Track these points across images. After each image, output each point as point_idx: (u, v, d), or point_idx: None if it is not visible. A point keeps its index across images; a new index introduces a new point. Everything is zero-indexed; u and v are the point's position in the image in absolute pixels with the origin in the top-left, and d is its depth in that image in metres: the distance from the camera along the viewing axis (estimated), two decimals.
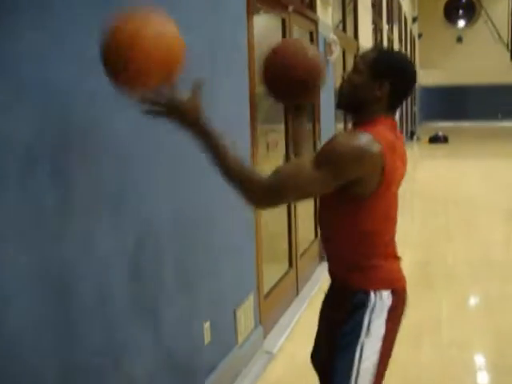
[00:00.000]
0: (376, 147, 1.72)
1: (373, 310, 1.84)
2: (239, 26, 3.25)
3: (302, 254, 4.83)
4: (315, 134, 5.17)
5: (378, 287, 1.86)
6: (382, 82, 1.82)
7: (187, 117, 1.67)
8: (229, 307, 3.15)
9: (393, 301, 1.87)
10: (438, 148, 16.56)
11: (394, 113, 1.92)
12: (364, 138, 1.73)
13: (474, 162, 13.55)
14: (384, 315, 1.85)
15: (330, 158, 1.72)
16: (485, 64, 29.47)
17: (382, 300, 1.85)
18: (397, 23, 15.37)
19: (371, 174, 1.75)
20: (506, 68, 28.91)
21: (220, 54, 2.94)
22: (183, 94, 1.64)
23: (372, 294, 1.84)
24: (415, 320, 2.10)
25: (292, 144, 2.14)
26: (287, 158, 4.34)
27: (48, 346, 1.70)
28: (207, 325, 2.83)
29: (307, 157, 1.82)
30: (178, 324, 2.57)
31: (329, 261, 2.01)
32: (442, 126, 21.59)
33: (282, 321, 4.14)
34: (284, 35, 4.25)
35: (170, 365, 2.49)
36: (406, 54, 1.95)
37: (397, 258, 1.98)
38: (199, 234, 2.76)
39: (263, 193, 1.73)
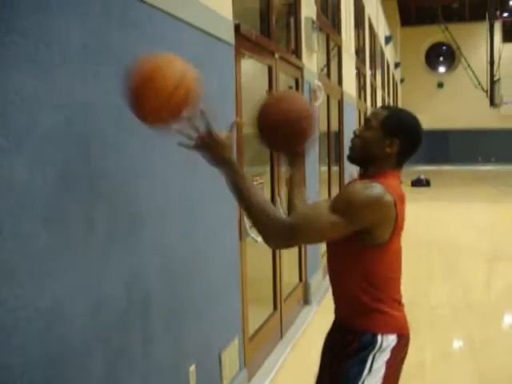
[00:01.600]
0: (388, 197, 1.85)
1: (377, 351, 1.93)
2: (227, 72, 3.33)
3: (287, 298, 4.85)
4: None
5: (384, 331, 1.95)
6: (393, 140, 1.94)
7: (223, 153, 1.86)
8: (214, 350, 3.15)
9: (396, 344, 1.96)
10: (421, 191, 16.73)
11: (401, 167, 2.02)
12: (378, 188, 1.85)
13: (456, 205, 13.70)
14: (387, 356, 1.94)
15: (346, 204, 1.82)
16: (465, 109, 30.11)
17: (387, 343, 1.94)
18: (380, 69, 15.68)
19: (385, 222, 1.87)
20: (486, 113, 29.52)
21: (208, 98, 3.00)
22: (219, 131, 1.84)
23: (379, 337, 1.94)
24: None
25: (289, 187, 2.20)
26: (272, 200, 4.42)
27: None
28: (192, 368, 2.83)
29: (323, 202, 1.91)
30: (164, 367, 2.57)
31: (336, 303, 2.10)
32: (423, 170, 21.86)
33: (267, 364, 4.13)
34: (270, 82, 4.35)
35: None
36: (414, 115, 2.04)
37: (401, 305, 2.07)
38: (185, 278, 2.78)
39: (282, 234, 1.81)
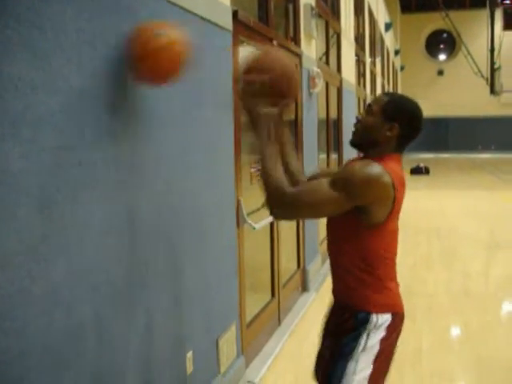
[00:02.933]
0: (387, 178, 1.91)
1: (372, 329, 2.01)
2: (225, 59, 3.32)
3: (285, 285, 4.86)
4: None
5: (379, 310, 2.03)
6: (393, 125, 2.02)
7: (257, 117, 1.96)
8: (211, 337, 3.16)
9: (391, 323, 2.04)
10: (420, 179, 16.73)
11: (401, 152, 2.08)
12: (377, 168, 1.91)
13: (455, 193, 13.72)
14: (381, 334, 2.02)
15: (345, 181, 1.89)
16: (465, 96, 30.07)
17: (382, 321, 2.02)
18: (379, 56, 15.62)
19: (382, 202, 1.94)
20: (486, 101, 29.48)
21: (206, 85, 3.00)
22: None
23: (374, 316, 2.02)
24: (397, 350, 2.18)
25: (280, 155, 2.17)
26: None
27: None
28: (190, 354, 2.84)
29: (324, 178, 1.96)
30: (161, 354, 2.58)
31: (334, 283, 2.18)
32: (423, 158, 21.85)
33: (264, 350, 4.14)
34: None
35: None
36: (415, 101, 2.10)
37: (397, 284, 2.14)
38: (182, 265, 2.78)
39: (282, 201, 1.90)
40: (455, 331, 4.76)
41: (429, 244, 7.91)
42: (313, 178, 2.27)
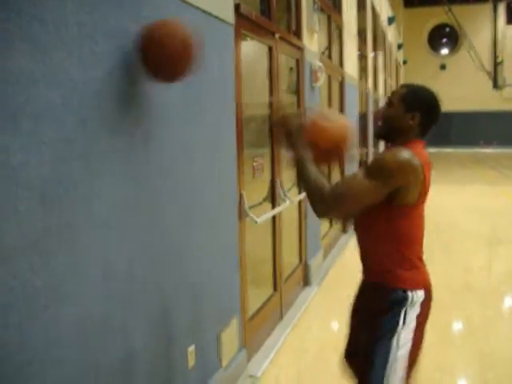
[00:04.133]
0: (416, 161, 2.05)
1: (409, 305, 2.14)
2: (227, 53, 3.31)
3: (287, 279, 4.86)
4: None
5: (413, 287, 2.15)
6: (414, 114, 2.16)
7: (294, 144, 2.16)
8: (213, 331, 3.16)
9: (424, 299, 2.17)
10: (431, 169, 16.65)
11: (423, 137, 2.23)
12: (406, 153, 2.05)
13: (457, 188, 13.70)
14: (417, 310, 2.15)
15: (379, 169, 2.03)
16: (468, 91, 29.98)
17: (417, 297, 2.15)
18: (382, 50, 15.58)
19: (414, 183, 2.06)
20: (489, 95, 29.40)
21: (207, 79, 2.99)
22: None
23: (409, 293, 2.14)
24: None
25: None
26: (273, 184, 4.41)
27: None
28: (191, 348, 2.84)
29: (358, 171, 2.08)
30: (163, 348, 2.58)
31: (366, 265, 2.30)
32: None
33: (266, 344, 4.15)
34: (271, 62, 4.32)
35: None
36: (431, 89, 2.24)
37: (425, 265, 2.26)
38: (183, 260, 2.78)
39: (325, 203, 2.04)
40: (457, 326, 4.76)
41: (430, 239, 7.85)
42: None
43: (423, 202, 2.17)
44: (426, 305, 2.20)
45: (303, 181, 2.11)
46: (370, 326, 2.20)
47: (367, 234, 2.26)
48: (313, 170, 2.09)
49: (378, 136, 2.29)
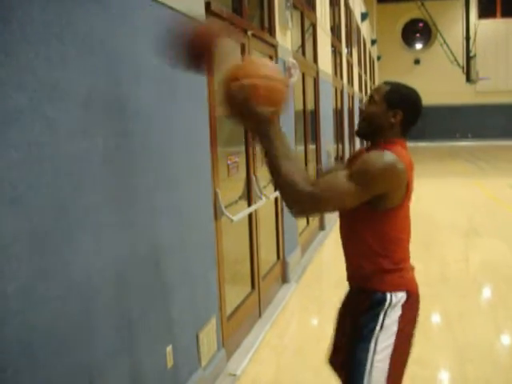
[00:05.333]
0: (401, 165, 1.99)
1: (388, 308, 2.08)
2: None
3: (265, 276, 4.86)
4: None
5: (393, 289, 2.11)
6: (396, 111, 2.11)
7: (261, 119, 1.89)
8: (191, 330, 3.15)
9: (406, 301, 2.12)
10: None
11: (405, 136, 2.18)
12: (391, 157, 1.99)
13: (432, 181, 13.80)
14: (397, 313, 2.09)
15: (363, 173, 1.95)
16: (442, 85, 30.30)
17: (396, 299, 2.09)
18: (356, 46, 15.65)
19: (398, 188, 2.02)
20: (462, 89, 29.73)
21: (180, 78, 2.98)
22: None
23: (388, 295, 2.09)
24: None
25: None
26: (248, 181, 4.41)
27: None
28: (169, 348, 2.83)
29: (341, 172, 1.99)
30: (140, 348, 2.56)
31: (349, 268, 2.24)
32: None
33: (245, 343, 4.14)
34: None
35: None
36: (413, 87, 2.19)
37: (411, 265, 2.23)
38: (160, 259, 2.77)
39: (301, 200, 1.91)
40: (434, 318, 4.80)
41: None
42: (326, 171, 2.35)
43: (407, 204, 2.13)
44: (410, 308, 2.14)
45: (276, 172, 1.91)
46: (351, 330, 2.17)
47: (351, 238, 2.21)
48: (289, 161, 1.90)
49: (358, 134, 2.21)
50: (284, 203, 1.98)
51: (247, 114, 1.89)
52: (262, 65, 1.98)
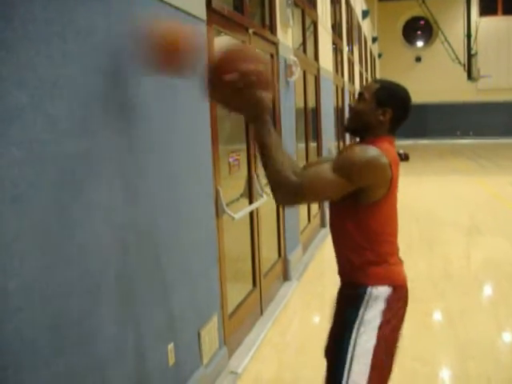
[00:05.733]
0: (384, 159, 2.03)
1: (368, 301, 2.11)
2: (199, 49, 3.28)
3: (266, 274, 4.86)
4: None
5: (375, 283, 2.13)
6: (385, 109, 2.14)
7: (257, 112, 1.97)
8: (193, 328, 3.15)
9: (391, 294, 2.13)
10: (400, 165, 16.77)
11: (393, 134, 2.22)
12: (374, 151, 2.03)
13: (434, 179, 13.82)
14: (380, 307, 2.11)
15: (346, 166, 2.01)
16: (443, 83, 30.26)
17: (377, 292, 2.12)
18: (357, 44, 15.64)
19: (381, 182, 2.06)
20: (464, 87, 29.69)
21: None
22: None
23: (369, 288, 2.12)
24: None
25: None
26: (250, 179, 4.40)
27: None
28: (171, 346, 2.83)
29: (326, 165, 2.04)
30: (142, 346, 2.56)
31: (339, 263, 2.29)
32: (401, 144, 21.90)
33: (247, 341, 4.15)
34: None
35: None
36: (403, 86, 2.22)
37: (399, 261, 2.25)
38: (161, 256, 2.77)
39: (290, 191, 1.97)
40: (437, 315, 4.80)
41: (409, 229, 7.94)
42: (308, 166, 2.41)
43: (392, 198, 2.15)
44: (396, 301, 2.15)
45: (264, 163, 2.00)
46: (337, 321, 2.25)
47: (339, 232, 2.25)
48: (277, 153, 1.98)
49: (347, 129, 2.28)
50: (270, 191, 2.03)
51: (247, 103, 1.96)
52: (244, 53, 2.04)
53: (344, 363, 2.07)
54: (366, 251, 2.14)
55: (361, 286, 2.14)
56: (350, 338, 2.08)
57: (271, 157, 1.97)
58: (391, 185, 2.09)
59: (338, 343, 2.13)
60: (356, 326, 2.09)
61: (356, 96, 2.25)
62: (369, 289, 2.12)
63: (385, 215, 2.15)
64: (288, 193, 1.98)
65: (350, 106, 2.24)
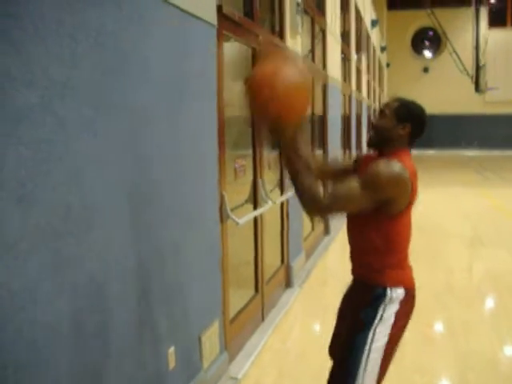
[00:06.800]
0: (406, 174, 2.20)
1: (387, 302, 2.28)
2: (209, 54, 3.30)
3: (268, 280, 4.85)
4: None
5: (393, 285, 2.30)
6: (405, 125, 2.31)
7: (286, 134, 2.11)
8: (194, 332, 3.15)
9: (404, 297, 2.31)
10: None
11: (411, 147, 2.39)
12: (398, 167, 2.20)
13: (439, 190, 13.77)
14: (395, 308, 2.29)
15: (373, 180, 2.16)
16: (450, 94, 30.23)
17: (396, 295, 2.29)
18: (365, 53, 15.64)
19: (403, 195, 2.22)
20: (471, 99, 29.65)
21: (189, 80, 2.98)
22: None
23: (388, 290, 2.29)
24: None
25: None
26: (255, 185, 4.41)
27: None
28: (171, 350, 2.83)
29: (354, 179, 2.20)
30: (142, 349, 2.56)
31: (354, 264, 2.45)
32: None
33: (248, 346, 4.14)
34: (254, 64, 4.31)
35: None
36: (420, 104, 2.39)
37: (410, 267, 2.43)
38: (165, 261, 2.77)
39: (319, 208, 2.15)
40: (438, 327, 4.79)
41: (412, 240, 7.90)
42: (335, 164, 2.72)
43: (410, 210, 2.32)
44: (406, 303, 2.33)
45: (294, 180, 2.16)
46: (351, 320, 2.36)
47: (357, 237, 2.41)
48: (306, 170, 2.14)
49: (370, 145, 2.41)
50: (299, 201, 2.18)
51: (276, 130, 2.12)
52: (286, 73, 2.04)
53: (360, 360, 2.23)
54: (385, 256, 2.31)
55: (379, 287, 2.30)
56: (366, 336, 2.25)
57: (301, 180, 2.13)
58: (412, 198, 2.26)
59: (354, 341, 2.27)
60: (375, 324, 2.26)
61: (377, 113, 2.43)
62: (388, 290, 2.28)
63: (404, 224, 2.33)
64: (316, 210, 2.20)
65: (372, 123, 2.42)
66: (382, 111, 2.39)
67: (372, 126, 2.41)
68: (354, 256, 2.45)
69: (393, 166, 2.20)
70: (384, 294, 2.29)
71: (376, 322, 2.27)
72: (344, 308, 2.52)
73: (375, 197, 2.16)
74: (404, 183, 2.20)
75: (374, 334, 2.25)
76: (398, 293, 2.30)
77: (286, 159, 2.15)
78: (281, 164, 5.32)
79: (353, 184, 2.18)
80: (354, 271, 2.47)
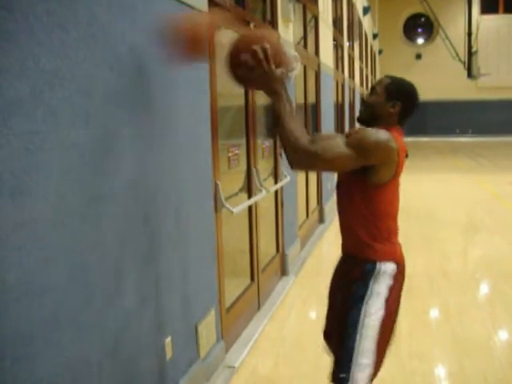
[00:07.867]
0: (393, 144, 2.22)
1: (378, 275, 2.30)
2: None
3: (264, 269, 4.86)
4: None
5: (383, 259, 2.32)
6: (395, 102, 2.33)
7: (275, 86, 2.16)
8: (190, 322, 3.15)
9: (396, 271, 2.34)
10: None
11: (402, 125, 2.40)
12: (386, 134, 2.23)
13: (433, 177, 13.82)
14: (387, 281, 2.31)
15: (359, 141, 2.19)
16: (443, 80, 30.25)
17: (385, 268, 2.31)
18: (357, 40, 15.61)
19: (388, 163, 2.23)
20: (464, 85, 29.67)
21: (181, 67, 2.96)
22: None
23: (378, 264, 2.31)
24: None
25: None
26: (249, 174, 4.40)
27: None
28: (168, 340, 2.83)
29: (344, 138, 2.24)
30: (139, 339, 2.56)
31: (343, 238, 2.48)
32: None
33: (244, 335, 4.15)
34: None
35: (131, 381, 2.48)
36: (411, 82, 2.42)
37: (399, 244, 2.44)
38: (159, 250, 2.76)
39: (305, 156, 2.15)
40: (434, 312, 4.81)
41: (408, 226, 7.93)
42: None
43: (397, 182, 2.33)
44: (398, 276, 2.35)
45: (281, 132, 2.17)
46: (344, 296, 2.38)
47: (346, 210, 2.43)
48: (293, 122, 2.15)
49: (360, 120, 2.42)
50: (285, 156, 2.21)
51: (261, 79, 2.15)
52: (254, 35, 2.31)
53: (355, 333, 2.25)
54: (373, 227, 2.32)
55: (369, 261, 2.32)
56: (360, 309, 2.26)
57: (288, 126, 2.14)
58: (397, 170, 2.27)
59: (348, 316, 2.29)
60: (366, 298, 2.27)
61: (369, 90, 2.45)
62: (377, 264, 2.31)
63: (389, 197, 2.33)
64: (304, 157, 2.15)
65: (362, 98, 2.43)
66: (373, 88, 2.41)
67: (362, 102, 2.44)
68: (344, 228, 2.47)
69: (382, 133, 2.23)
70: (374, 268, 2.31)
71: (367, 295, 2.28)
72: (335, 284, 2.55)
73: (361, 158, 2.17)
74: (391, 150, 2.21)
75: (368, 308, 2.27)
76: (389, 267, 2.32)
77: (275, 109, 2.17)
78: (275, 152, 5.32)
79: (342, 141, 2.21)
80: (344, 245, 2.49)
